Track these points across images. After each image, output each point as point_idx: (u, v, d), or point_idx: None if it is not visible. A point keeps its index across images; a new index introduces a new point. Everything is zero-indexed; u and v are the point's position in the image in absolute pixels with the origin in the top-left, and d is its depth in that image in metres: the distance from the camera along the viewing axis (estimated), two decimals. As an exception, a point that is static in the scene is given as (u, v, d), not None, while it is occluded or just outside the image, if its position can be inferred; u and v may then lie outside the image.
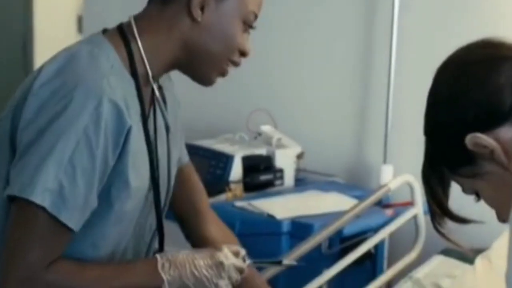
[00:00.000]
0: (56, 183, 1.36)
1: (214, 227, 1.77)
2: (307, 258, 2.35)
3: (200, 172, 2.98)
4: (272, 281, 2.15)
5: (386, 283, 2.74)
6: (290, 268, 1.69)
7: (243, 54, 1.52)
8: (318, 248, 2.55)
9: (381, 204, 2.93)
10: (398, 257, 2.75)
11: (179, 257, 1.48)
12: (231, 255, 1.51)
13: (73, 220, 1.39)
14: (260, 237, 2.72)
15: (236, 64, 1.52)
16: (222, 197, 2.99)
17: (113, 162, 1.43)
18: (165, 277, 1.45)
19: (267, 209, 2.83)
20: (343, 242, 2.73)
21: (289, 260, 2.10)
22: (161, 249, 1.59)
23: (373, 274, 2.84)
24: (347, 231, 2.69)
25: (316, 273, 2.50)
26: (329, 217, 2.63)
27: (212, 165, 3.09)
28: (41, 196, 1.36)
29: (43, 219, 1.38)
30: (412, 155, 3.19)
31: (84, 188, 1.39)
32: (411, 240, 2.76)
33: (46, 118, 1.38)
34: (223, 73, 1.53)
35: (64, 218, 1.38)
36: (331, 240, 2.71)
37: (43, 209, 1.36)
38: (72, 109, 1.38)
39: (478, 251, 2.47)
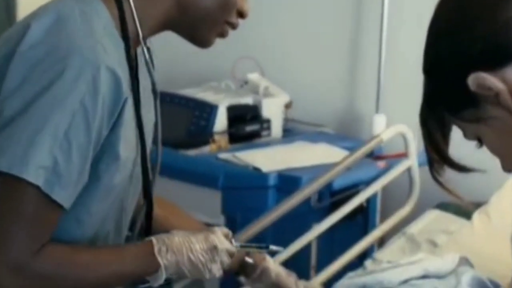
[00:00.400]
0: (51, 159, 1.27)
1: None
2: (296, 213, 2.33)
3: (183, 122, 2.99)
4: (259, 237, 2.15)
5: (379, 239, 2.71)
6: (275, 252, 1.71)
7: (241, 15, 1.45)
8: (307, 202, 2.51)
9: (373, 155, 2.90)
10: (391, 211, 2.72)
11: (175, 240, 1.42)
12: (224, 239, 1.48)
13: (66, 197, 1.31)
14: (245, 191, 2.70)
15: (233, 26, 1.45)
16: (205, 149, 2.93)
17: (106, 133, 1.35)
18: (162, 262, 1.39)
19: (253, 162, 2.78)
20: (333, 196, 2.71)
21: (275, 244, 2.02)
22: (148, 223, 1.52)
23: (365, 229, 2.83)
24: (337, 184, 2.67)
25: (305, 228, 2.47)
26: (318, 170, 2.58)
27: (195, 116, 3.01)
28: (35, 174, 1.27)
29: (34, 197, 1.29)
30: (406, 104, 3.17)
31: (79, 164, 1.31)
32: (404, 193, 2.73)
33: (38, 86, 1.28)
34: (222, 34, 1.45)
35: (57, 196, 1.29)
36: (321, 193, 2.68)
37: (35, 187, 1.28)
38: (68, 78, 1.28)
39: (476, 205, 2.44)
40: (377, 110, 3.19)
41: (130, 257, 1.39)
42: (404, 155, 2.72)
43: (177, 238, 1.42)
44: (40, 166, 1.27)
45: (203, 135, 2.95)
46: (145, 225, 1.52)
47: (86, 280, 1.36)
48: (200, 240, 1.44)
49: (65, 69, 1.27)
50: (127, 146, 1.39)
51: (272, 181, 2.70)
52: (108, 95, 1.31)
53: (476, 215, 2.35)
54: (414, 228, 2.50)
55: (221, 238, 1.46)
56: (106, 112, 1.32)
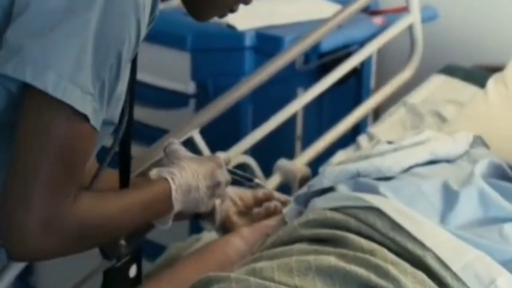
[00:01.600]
0: (99, 83, 1.16)
1: None
2: (278, 78, 2.22)
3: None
4: (235, 107, 2.10)
5: (374, 109, 2.64)
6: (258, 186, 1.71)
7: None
8: (291, 65, 2.38)
9: (369, 10, 2.80)
10: (389, 77, 2.61)
11: (187, 178, 1.44)
12: (225, 171, 1.53)
13: (99, 126, 1.20)
14: (218, 53, 2.59)
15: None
16: (172, 3, 2.71)
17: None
18: (176, 207, 1.42)
19: (227, 18, 2.52)
20: (322, 58, 2.61)
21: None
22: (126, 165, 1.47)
23: (359, 97, 2.76)
24: (327, 44, 2.57)
25: (289, 95, 2.40)
26: (304, 27, 2.46)
27: (162, -36, 2.71)
28: (82, 101, 1.14)
29: (81, 128, 1.16)
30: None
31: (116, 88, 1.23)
32: (405, 55, 2.62)
33: None
34: (221, 16, 1.47)
35: (97, 123, 1.18)
36: (307, 55, 2.58)
37: (83, 116, 1.15)
38: None
39: (492, 70, 2.19)
40: (373, -45, 3.06)
41: (150, 202, 1.38)
42: (404, 10, 2.60)
43: (188, 175, 1.44)
44: (88, 92, 1.14)
45: (169, -14, 2.79)
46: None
47: (113, 230, 1.32)
48: (206, 177, 1.48)
49: None
50: (123, 80, 1.28)
51: (249, 41, 2.57)
52: (148, 10, 1.23)
53: (491, 83, 2.06)
54: (416, 96, 2.35)
55: (224, 171, 1.51)
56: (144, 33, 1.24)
